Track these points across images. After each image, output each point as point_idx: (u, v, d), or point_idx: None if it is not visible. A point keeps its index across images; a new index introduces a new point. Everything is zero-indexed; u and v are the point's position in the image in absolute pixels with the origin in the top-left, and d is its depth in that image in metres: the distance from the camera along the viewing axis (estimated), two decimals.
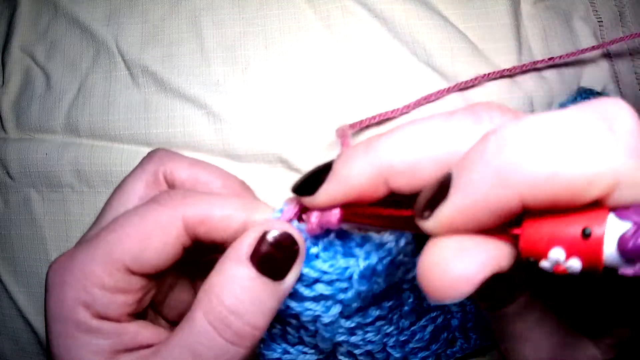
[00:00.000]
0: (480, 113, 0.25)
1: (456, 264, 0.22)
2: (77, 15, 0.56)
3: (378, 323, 0.37)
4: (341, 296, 0.33)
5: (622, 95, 0.55)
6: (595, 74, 0.54)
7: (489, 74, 0.51)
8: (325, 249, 0.33)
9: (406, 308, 0.39)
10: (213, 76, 0.53)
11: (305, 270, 0.32)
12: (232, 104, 0.52)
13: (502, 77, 0.52)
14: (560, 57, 0.51)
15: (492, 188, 0.22)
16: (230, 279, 0.30)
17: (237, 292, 0.29)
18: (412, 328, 0.41)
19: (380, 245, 0.33)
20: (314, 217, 0.31)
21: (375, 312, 0.36)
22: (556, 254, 0.21)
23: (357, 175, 0.27)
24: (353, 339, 0.37)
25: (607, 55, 0.55)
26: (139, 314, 0.34)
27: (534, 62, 0.51)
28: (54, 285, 0.32)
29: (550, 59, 0.51)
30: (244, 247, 0.30)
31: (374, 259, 0.32)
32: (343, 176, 0.28)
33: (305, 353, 0.39)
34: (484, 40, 0.54)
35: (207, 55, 0.53)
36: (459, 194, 0.23)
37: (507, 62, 0.53)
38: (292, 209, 0.32)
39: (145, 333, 0.33)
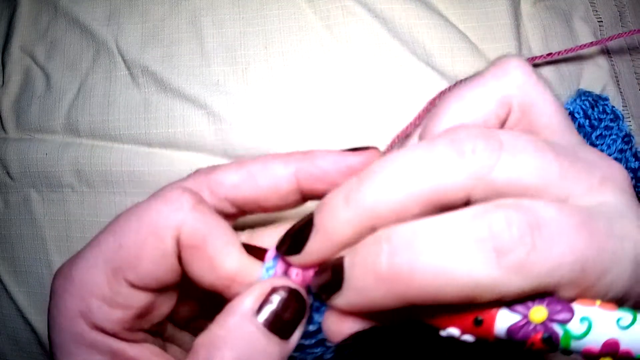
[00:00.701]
0: (463, 145, 0.25)
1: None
2: (77, 15, 0.56)
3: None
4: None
5: (622, 95, 0.55)
6: (594, 74, 0.55)
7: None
8: (315, 297, 0.32)
9: None
10: (213, 76, 0.53)
11: (307, 328, 0.31)
12: (232, 104, 0.52)
13: None
14: (559, 52, 0.51)
15: (380, 296, 0.25)
16: (234, 333, 0.28)
17: (242, 348, 0.28)
18: None
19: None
20: (295, 274, 0.30)
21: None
22: (452, 332, 0.25)
23: (342, 229, 0.26)
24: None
25: (607, 55, 0.55)
26: (153, 332, 0.33)
27: (532, 58, 0.51)
28: (55, 293, 0.31)
29: (548, 54, 0.51)
30: (250, 301, 0.29)
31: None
32: (327, 231, 0.27)
33: None
34: (484, 40, 0.54)
35: (207, 55, 0.53)
36: (350, 293, 0.26)
37: None
38: (282, 265, 0.31)
39: (144, 354, 0.31)
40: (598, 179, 0.26)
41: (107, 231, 0.31)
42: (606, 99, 0.52)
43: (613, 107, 0.52)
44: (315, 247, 0.28)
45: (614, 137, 0.50)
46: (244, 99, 0.52)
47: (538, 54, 0.54)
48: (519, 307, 0.23)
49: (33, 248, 0.55)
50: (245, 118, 0.51)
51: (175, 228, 0.29)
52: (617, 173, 0.27)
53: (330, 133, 0.50)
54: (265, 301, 0.29)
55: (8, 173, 0.55)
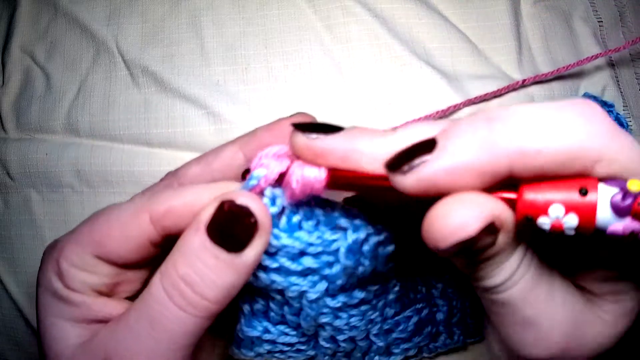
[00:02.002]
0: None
1: (457, 211, 0.24)
2: (77, 15, 0.56)
3: (363, 307, 0.37)
4: (326, 271, 0.32)
5: (623, 95, 0.55)
6: (595, 74, 0.55)
7: (499, 90, 0.50)
8: (306, 217, 0.32)
9: (391, 296, 0.39)
10: (213, 76, 0.53)
11: (289, 242, 0.31)
12: (232, 104, 0.52)
13: (513, 89, 0.51)
14: (566, 67, 0.51)
15: (482, 153, 0.24)
16: (185, 247, 0.30)
17: (191, 261, 0.29)
18: (396, 318, 0.40)
19: (368, 223, 0.32)
20: (296, 182, 0.29)
21: (360, 294, 0.35)
22: (556, 211, 0.24)
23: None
24: (337, 322, 0.36)
25: (607, 55, 0.55)
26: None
27: (542, 75, 0.51)
28: (42, 260, 0.35)
29: (557, 70, 0.51)
30: (202, 217, 0.30)
31: (362, 234, 0.31)
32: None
33: (287, 334, 0.37)
34: (484, 40, 0.54)
35: (207, 55, 0.53)
36: (446, 154, 0.24)
37: (507, 61, 0.53)
38: (269, 176, 0.30)
39: (116, 306, 0.34)
40: None
41: (87, 219, 0.35)
42: (611, 106, 0.52)
43: (618, 114, 0.52)
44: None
45: None
46: (244, 99, 0.52)
47: (538, 53, 0.54)
48: (614, 182, 0.24)
49: (33, 248, 0.55)
50: (245, 118, 0.51)
51: (145, 212, 0.33)
52: None
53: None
54: (216, 215, 0.29)
55: (8, 173, 0.55)
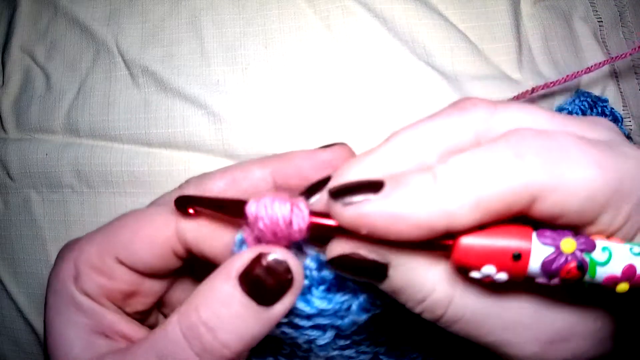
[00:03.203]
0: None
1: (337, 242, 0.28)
2: (77, 15, 0.56)
3: (372, 336, 0.37)
4: (338, 323, 0.32)
5: (622, 95, 0.55)
6: (595, 74, 0.54)
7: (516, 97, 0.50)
8: (317, 282, 0.32)
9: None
10: (213, 76, 0.53)
11: (301, 306, 0.31)
12: (232, 104, 0.52)
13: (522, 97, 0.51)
14: (574, 75, 0.50)
15: (421, 209, 0.25)
16: (212, 291, 0.29)
17: (216, 307, 0.29)
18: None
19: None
20: (300, 221, 0.29)
21: (370, 329, 0.36)
22: (488, 270, 0.26)
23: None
24: (347, 352, 0.36)
25: (607, 54, 0.55)
26: (141, 318, 0.35)
27: (551, 83, 0.51)
28: (56, 260, 0.34)
29: (564, 78, 0.51)
30: (236, 265, 0.29)
31: (370, 291, 0.31)
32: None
33: None
34: (484, 40, 0.54)
35: (207, 55, 0.53)
36: (388, 200, 0.25)
37: (507, 61, 0.53)
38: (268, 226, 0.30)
39: (125, 326, 0.33)
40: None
41: (109, 222, 0.34)
42: (605, 101, 0.52)
43: (612, 108, 0.52)
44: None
45: None
46: (244, 99, 0.52)
47: (538, 53, 0.54)
48: (549, 240, 0.25)
49: (33, 249, 0.55)
50: (245, 118, 0.51)
51: (173, 222, 0.33)
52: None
53: (330, 132, 0.50)
54: (251, 266, 0.29)
55: (8, 174, 0.55)
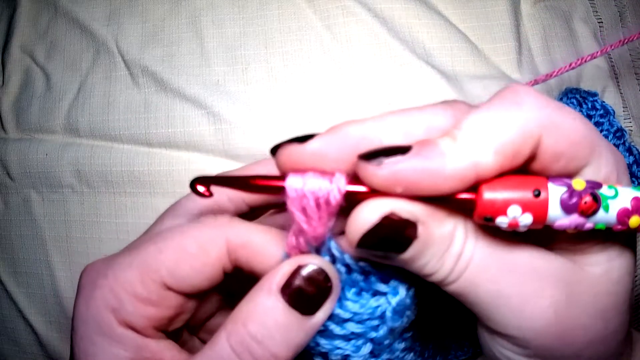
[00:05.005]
0: None
1: (360, 212, 0.27)
2: (77, 15, 0.56)
3: (403, 355, 0.36)
4: (372, 334, 0.32)
5: (622, 95, 0.55)
6: (594, 73, 0.55)
7: None
8: (349, 285, 0.32)
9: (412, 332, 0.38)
10: (213, 76, 0.53)
11: (337, 311, 0.31)
12: (232, 104, 0.52)
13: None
14: (570, 65, 0.50)
15: (450, 161, 0.26)
16: (258, 307, 0.29)
17: (262, 320, 0.29)
18: (417, 342, 0.39)
19: (398, 277, 0.32)
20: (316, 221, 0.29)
21: (400, 346, 0.35)
22: (514, 211, 0.27)
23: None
24: None
25: (607, 56, 0.55)
26: (169, 333, 0.34)
27: (546, 75, 0.51)
28: (84, 286, 0.32)
29: (559, 70, 0.51)
30: (276, 278, 0.30)
31: (402, 292, 0.32)
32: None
33: None
34: (484, 40, 0.54)
35: (207, 55, 0.53)
36: (424, 155, 0.26)
37: (507, 62, 0.53)
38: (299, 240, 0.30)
39: (168, 354, 0.32)
40: None
41: (146, 240, 0.33)
42: (595, 95, 0.51)
43: (603, 102, 0.51)
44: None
45: (605, 132, 0.50)
46: (244, 99, 0.52)
47: (538, 53, 0.54)
48: (561, 182, 0.27)
49: (33, 249, 0.55)
50: (245, 118, 0.51)
51: (223, 239, 0.32)
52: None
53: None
54: (291, 277, 0.30)
55: (8, 174, 0.55)
